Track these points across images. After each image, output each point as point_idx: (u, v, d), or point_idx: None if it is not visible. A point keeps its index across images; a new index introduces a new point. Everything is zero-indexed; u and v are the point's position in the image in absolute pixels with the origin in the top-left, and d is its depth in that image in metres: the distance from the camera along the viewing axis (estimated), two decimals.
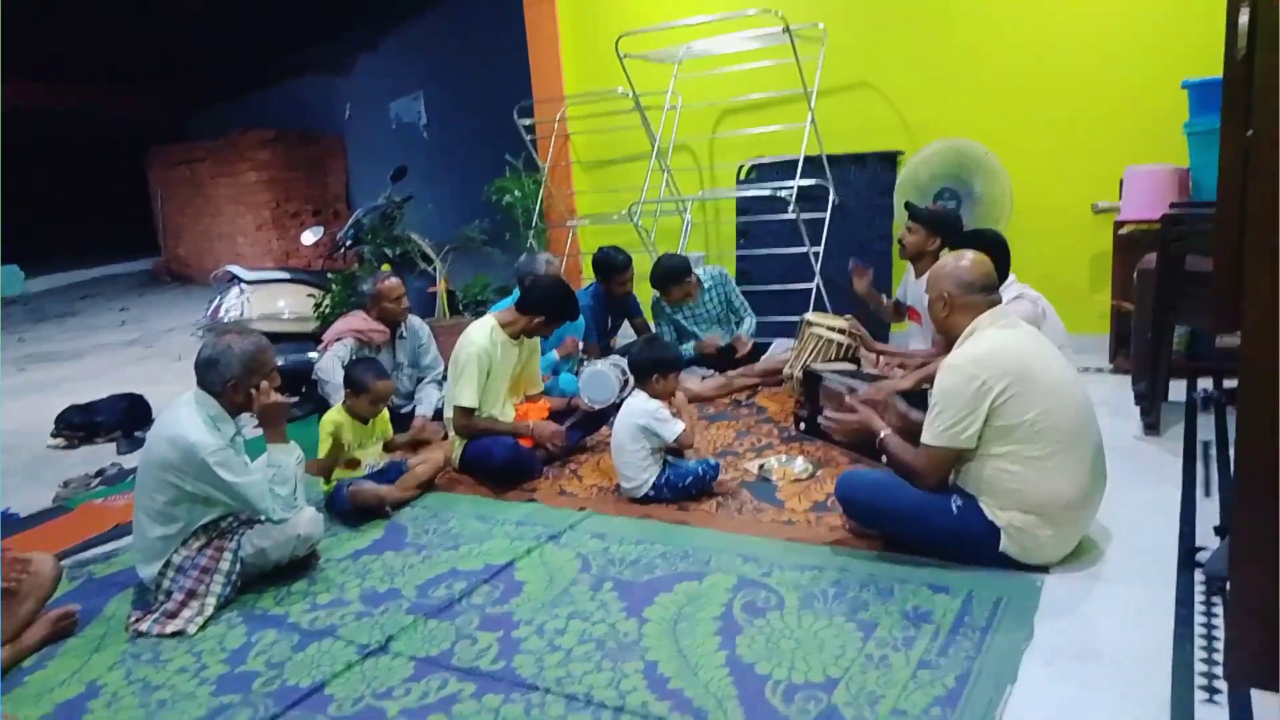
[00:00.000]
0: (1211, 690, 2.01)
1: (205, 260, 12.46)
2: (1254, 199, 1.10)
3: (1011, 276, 3.32)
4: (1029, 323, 2.87)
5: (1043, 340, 2.69)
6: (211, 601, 2.71)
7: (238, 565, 2.78)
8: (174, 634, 2.62)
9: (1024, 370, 2.50)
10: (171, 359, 7.29)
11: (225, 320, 5.23)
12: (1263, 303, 1.06)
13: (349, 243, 5.96)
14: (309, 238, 6.64)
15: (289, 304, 5.51)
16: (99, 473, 4.36)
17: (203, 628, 2.65)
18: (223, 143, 12.25)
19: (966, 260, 2.68)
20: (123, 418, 5.05)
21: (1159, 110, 4.65)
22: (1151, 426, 3.71)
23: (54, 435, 5.02)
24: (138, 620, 2.68)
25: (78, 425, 5.02)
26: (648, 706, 2.10)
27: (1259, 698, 1.93)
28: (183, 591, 2.70)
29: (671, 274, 4.83)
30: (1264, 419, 1.03)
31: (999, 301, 2.67)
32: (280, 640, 2.56)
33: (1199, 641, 2.20)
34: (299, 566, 2.95)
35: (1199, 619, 2.31)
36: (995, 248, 3.27)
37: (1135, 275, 3.97)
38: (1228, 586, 1.16)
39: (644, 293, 5.16)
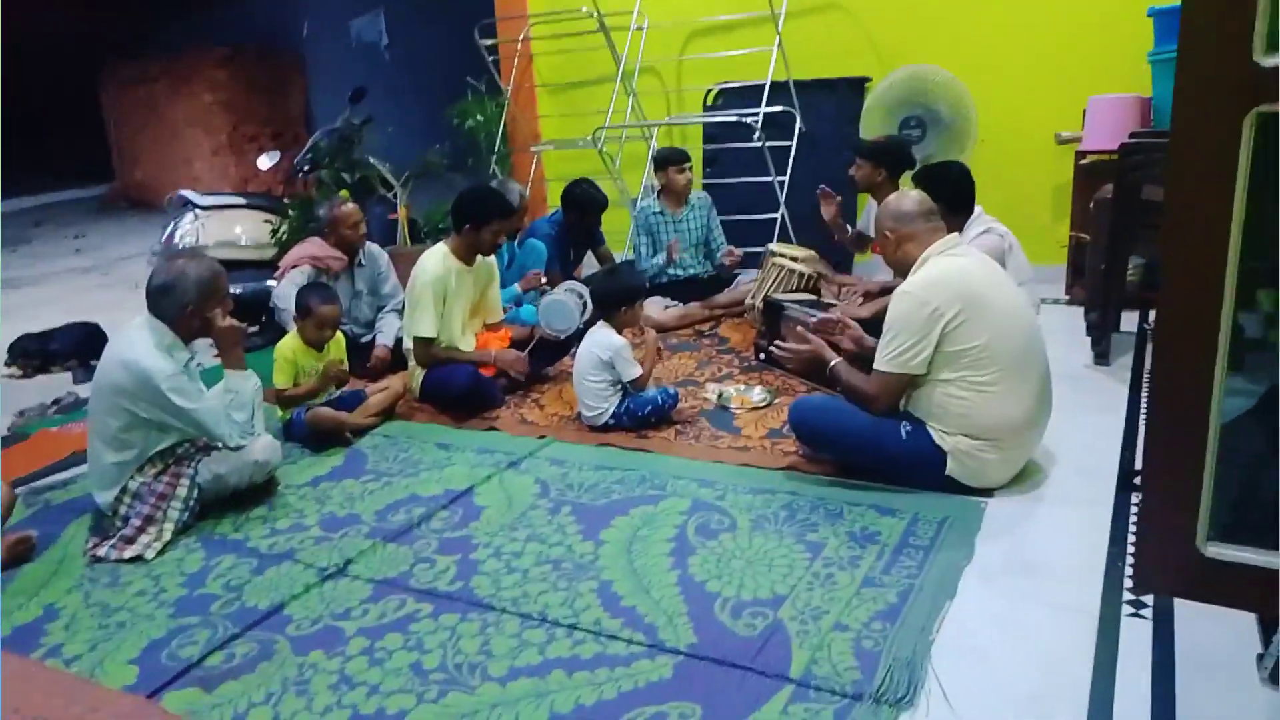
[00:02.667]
0: (1139, 603, 2.11)
1: (162, 185, 12.09)
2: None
3: (978, 209, 3.33)
4: (994, 257, 2.90)
5: (993, 267, 2.73)
6: (169, 527, 2.72)
7: (195, 491, 2.79)
8: (132, 559, 2.63)
9: (974, 296, 2.54)
10: (129, 287, 7.15)
11: (181, 247, 5.12)
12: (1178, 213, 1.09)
13: (306, 167, 5.82)
14: (265, 162, 6.48)
15: (246, 230, 5.40)
16: (55, 401, 4.31)
17: (161, 553, 2.67)
18: (179, 61, 11.80)
19: (905, 197, 2.73)
20: (79, 346, 4.97)
21: (1124, 39, 4.62)
22: (1101, 356, 3.79)
23: (7, 364, 4.94)
24: (95, 545, 2.69)
25: (33, 354, 4.94)
26: (600, 623, 2.16)
27: (1182, 610, 2.03)
28: (140, 517, 2.71)
29: (674, 155, 4.86)
30: (1184, 330, 1.06)
31: (943, 229, 2.69)
32: (239, 564, 2.59)
33: (1130, 559, 2.30)
34: (258, 492, 2.97)
35: (1132, 538, 2.40)
36: (960, 179, 3.28)
37: (1092, 205, 4.00)
38: (1139, 499, 1.21)
39: (607, 220, 5.11)
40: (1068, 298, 4.75)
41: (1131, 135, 3.75)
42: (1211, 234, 1.08)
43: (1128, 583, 2.19)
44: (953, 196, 3.10)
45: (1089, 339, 3.87)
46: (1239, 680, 1.81)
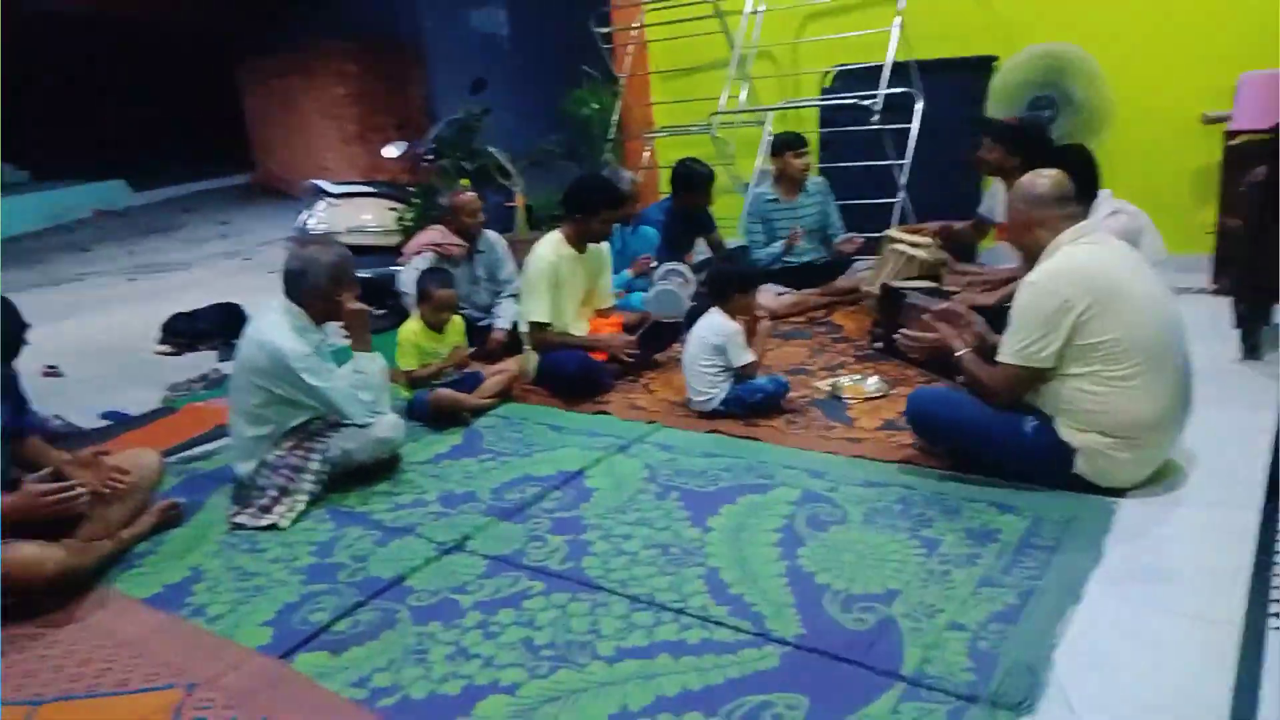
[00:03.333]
0: None
1: (296, 174, 12.74)
2: None
3: (1106, 192, 3.15)
4: (1125, 238, 2.74)
5: (1131, 255, 2.57)
6: (302, 498, 2.88)
7: (326, 465, 2.94)
8: (268, 527, 2.80)
9: (1109, 287, 2.41)
10: (269, 270, 7.57)
11: (314, 232, 5.38)
12: None
13: (430, 156, 6.02)
14: (391, 152, 6.73)
15: (373, 217, 5.64)
16: (202, 377, 4.62)
17: (294, 522, 2.83)
18: (310, 55, 12.36)
19: (1042, 176, 2.57)
20: (223, 326, 5.30)
21: (1277, 10, 4.27)
22: (1252, 350, 3.54)
23: (160, 342, 5.32)
24: (236, 514, 2.88)
25: (182, 332, 5.30)
26: (707, 609, 2.17)
27: None
28: (276, 488, 2.87)
29: (791, 140, 4.83)
30: None
31: (1081, 216, 2.55)
32: (364, 536, 2.71)
33: (1279, 569, 2.15)
34: (382, 468, 3.10)
35: None
36: (1080, 162, 3.11)
37: (1243, 188, 3.72)
38: None
39: (719, 208, 5.09)
40: (1214, 287, 4.44)
41: None
42: None
43: (1275, 594, 2.05)
44: (1076, 180, 2.94)
45: (1237, 332, 3.61)
46: None
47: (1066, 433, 2.52)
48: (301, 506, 2.88)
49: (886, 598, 2.16)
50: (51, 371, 4.78)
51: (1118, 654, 1.91)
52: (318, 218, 5.58)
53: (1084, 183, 3.04)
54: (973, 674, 1.86)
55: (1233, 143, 4.28)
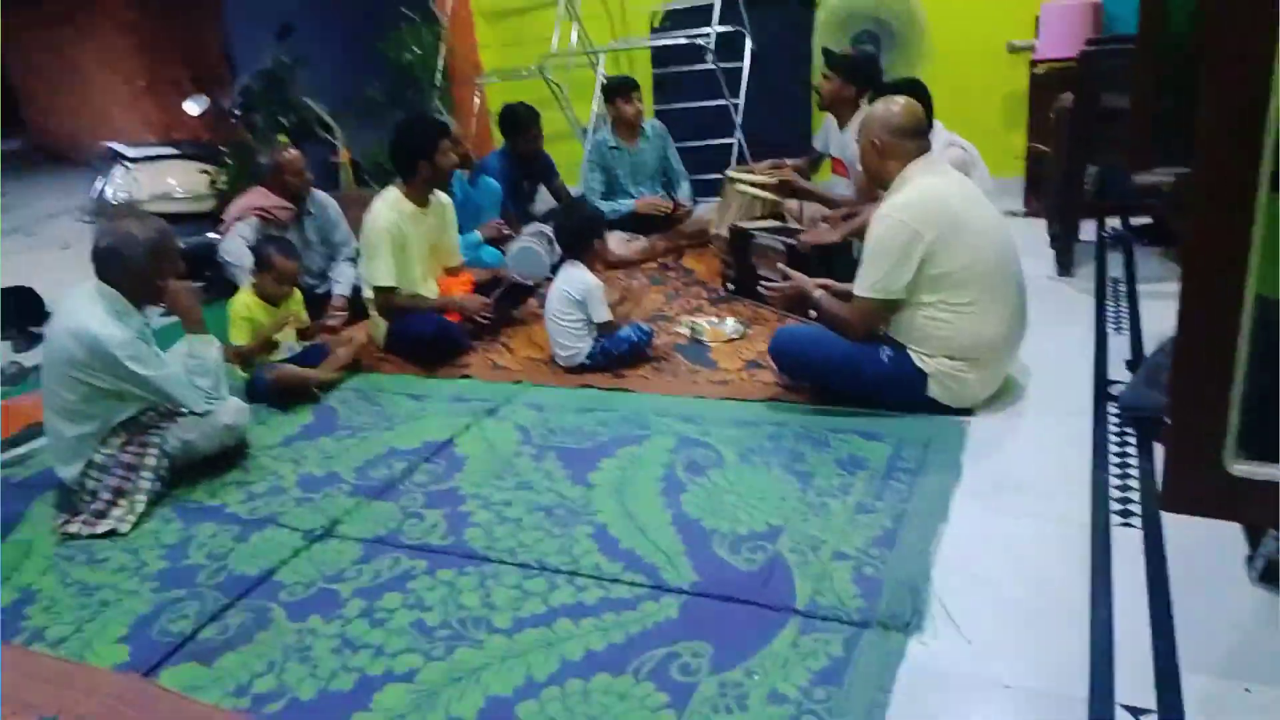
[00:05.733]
0: (1126, 513, 2.16)
1: (80, 136, 11.49)
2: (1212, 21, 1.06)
3: (939, 124, 3.29)
4: (959, 169, 2.87)
5: (969, 185, 2.71)
6: (142, 498, 2.63)
7: (165, 460, 2.69)
8: (106, 534, 2.54)
9: (954, 218, 2.53)
10: (59, 247, 6.82)
11: (114, 203, 4.87)
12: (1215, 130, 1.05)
13: (239, 111, 5.54)
14: (193, 107, 6.14)
15: (181, 181, 5.16)
16: None
17: (135, 525, 2.58)
18: (80, 2, 11.08)
19: (897, 106, 2.64)
20: (16, 313, 4.74)
21: None
22: (1065, 267, 3.84)
23: None
24: (65, 522, 2.59)
25: None
26: (600, 568, 2.15)
27: (1167, 517, 2.08)
28: (109, 490, 2.61)
29: (621, 85, 4.76)
30: (1213, 250, 1.04)
31: (929, 148, 2.65)
32: (220, 532, 2.51)
33: (1114, 469, 2.35)
34: (229, 456, 2.87)
35: (1113, 448, 2.46)
36: (918, 95, 3.23)
37: (1052, 115, 3.99)
38: (1167, 424, 1.22)
39: (560, 154, 4.98)
40: (1025, 210, 4.78)
41: (1088, 42, 3.73)
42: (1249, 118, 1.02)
43: (1114, 493, 2.25)
44: None
45: (1052, 251, 3.91)
46: (1229, 582, 1.87)
47: (919, 359, 2.66)
48: (141, 507, 2.62)
49: (771, 535, 2.22)
50: None
51: (987, 565, 2.04)
52: (116, 185, 5.04)
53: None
54: (862, 600, 1.94)
55: (1037, 71, 4.57)
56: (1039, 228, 4.17)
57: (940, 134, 3.27)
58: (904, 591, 1.95)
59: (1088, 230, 4.29)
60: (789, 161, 4.37)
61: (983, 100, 5.06)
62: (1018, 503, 2.28)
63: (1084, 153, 3.73)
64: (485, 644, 1.94)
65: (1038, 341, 2.98)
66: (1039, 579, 1.98)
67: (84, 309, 2.54)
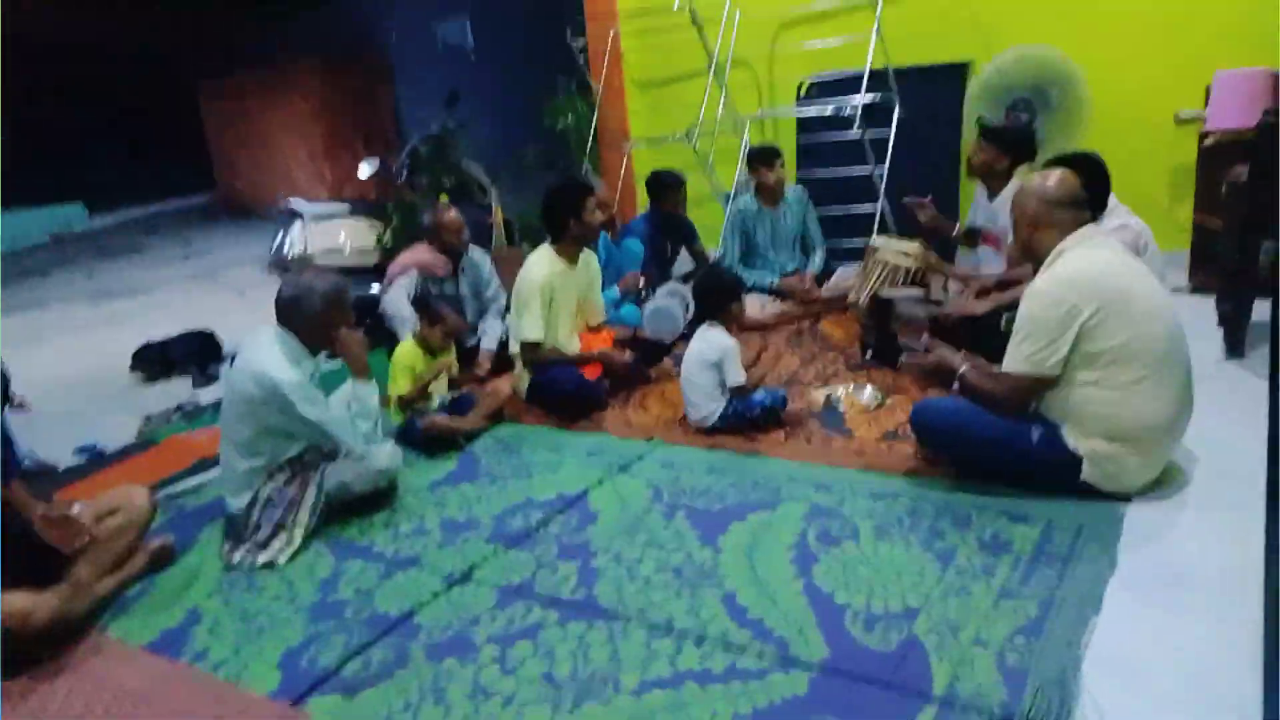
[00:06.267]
0: None
1: (261, 192, 12.57)
2: None
3: (1115, 201, 3.15)
4: (1130, 250, 2.75)
5: (1133, 260, 2.59)
6: (299, 533, 2.81)
7: (322, 498, 2.87)
8: (266, 564, 2.72)
9: (1115, 292, 2.42)
10: (235, 293, 7.43)
11: (289, 256, 5.29)
12: None
13: (405, 173, 5.95)
14: (365, 170, 6.64)
15: (349, 237, 5.56)
16: (178, 407, 4.50)
17: (292, 558, 2.75)
18: (272, 73, 12.21)
19: (1053, 178, 2.58)
20: (195, 353, 5.19)
21: (1250, 9, 4.35)
22: (1235, 348, 3.59)
23: (131, 370, 5.18)
24: (230, 551, 2.79)
25: (153, 360, 5.17)
26: (728, 635, 2.14)
27: None
28: (271, 524, 2.80)
29: (764, 153, 4.84)
30: None
31: (1088, 220, 2.56)
32: (367, 569, 2.65)
33: None
34: (379, 498, 3.03)
35: None
36: (1093, 171, 3.10)
37: (1224, 188, 3.78)
38: None
39: (703, 217, 5.07)
40: (1190, 285, 4.51)
41: (1266, 112, 3.53)
42: None
43: None
44: (1088, 190, 2.94)
45: (1220, 331, 3.66)
46: None
47: (1073, 439, 2.53)
48: (299, 542, 2.80)
49: (908, 615, 2.14)
50: (15, 403, 4.63)
51: (1143, 661, 1.91)
52: (292, 239, 5.48)
53: (1097, 192, 3.01)
54: (1004, 691, 1.84)
55: (1207, 142, 4.35)
56: (1204, 305, 3.91)
57: (1115, 212, 3.13)
58: (1051, 685, 1.84)
59: (1261, 311, 3.99)
60: (942, 221, 4.26)
61: (1147, 172, 4.83)
62: (1179, 598, 2.12)
63: (1259, 227, 3.50)
64: (613, 702, 1.95)
65: (1204, 427, 2.78)
66: (1201, 679, 1.83)
67: (264, 352, 2.77)
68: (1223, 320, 3.67)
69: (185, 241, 11.49)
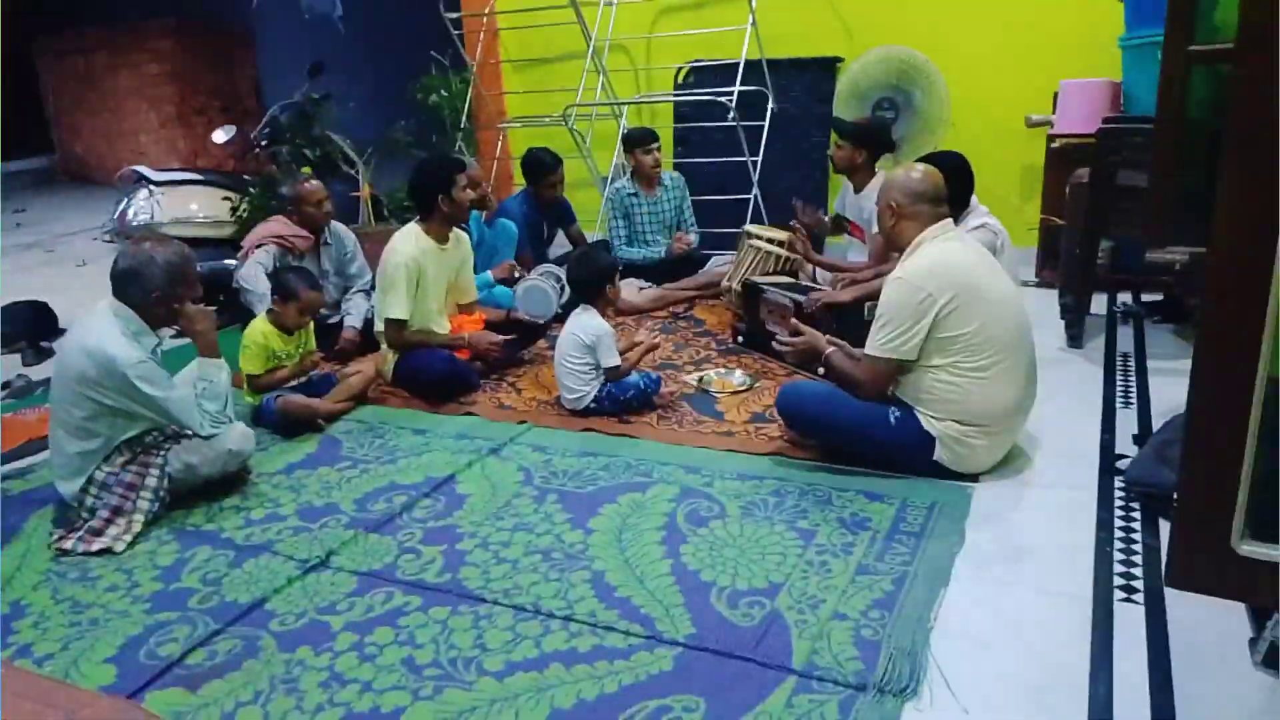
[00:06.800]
0: (1129, 589, 2.13)
1: (106, 159, 11.69)
2: (1234, 111, 1.08)
3: (974, 201, 3.30)
4: (987, 249, 2.88)
5: (986, 255, 2.73)
6: (139, 519, 2.62)
7: (165, 481, 2.69)
8: (100, 551, 2.53)
9: (968, 283, 2.54)
10: (73, 264, 6.89)
11: (134, 224, 4.93)
12: (1237, 215, 1.07)
13: (265, 143, 5.64)
14: (221, 136, 6.27)
15: (202, 207, 5.24)
16: (4, 385, 4.13)
17: (131, 545, 2.57)
18: (120, 31, 11.35)
19: (916, 172, 2.68)
20: (28, 327, 4.77)
21: (1094, 23, 4.66)
22: (1075, 339, 3.84)
23: None
24: (61, 538, 2.58)
25: None
26: (596, 615, 2.13)
27: (1170, 594, 2.06)
28: (108, 509, 2.60)
29: (641, 136, 4.82)
30: (1227, 330, 1.05)
31: (946, 215, 2.67)
32: (215, 556, 2.50)
33: (1118, 543, 2.33)
34: (229, 482, 2.87)
35: (1118, 522, 2.44)
36: (958, 171, 3.21)
37: (1068, 190, 4.03)
38: (1176, 500, 1.21)
39: (579, 200, 5.04)
40: (1037, 280, 4.80)
41: (1105, 120, 3.78)
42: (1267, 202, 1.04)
43: (1118, 566, 2.22)
44: (952, 188, 3.06)
45: (1062, 322, 3.92)
46: (1232, 664, 1.84)
47: (927, 422, 2.65)
48: (139, 527, 2.61)
49: (771, 591, 2.19)
50: None
51: (988, 634, 2.01)
52: (139, 207, 5.11)
53: (960, 190, 3.12)
54: (860, 662, 1.91)
55: (1054, 145, 4.63)
56: (1050, 298, 4.18)
57: (975, 212, 3.26)
58: (902, 656, 1.92)
59: (1099, 303, 4.30)
60: (799, 224, 4.36)
61: (1000, 172, 5.10)
62: (1020, 572, 2.25)
63: (1098, 227, 3.76)
64: (475, 686, 1.91)
65: (1045, 412, 2.97)
66: (1039, 651, 1.95)
67: (99, 327, 2.56)
68: (1064, 312, 3.93)
69: (17, 207, 10.56)
